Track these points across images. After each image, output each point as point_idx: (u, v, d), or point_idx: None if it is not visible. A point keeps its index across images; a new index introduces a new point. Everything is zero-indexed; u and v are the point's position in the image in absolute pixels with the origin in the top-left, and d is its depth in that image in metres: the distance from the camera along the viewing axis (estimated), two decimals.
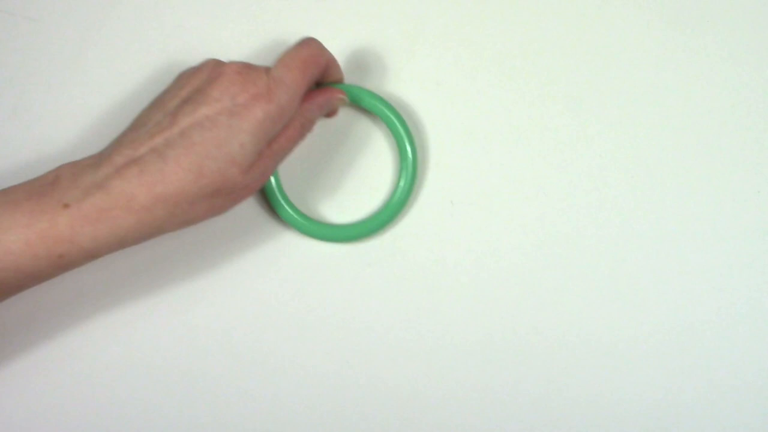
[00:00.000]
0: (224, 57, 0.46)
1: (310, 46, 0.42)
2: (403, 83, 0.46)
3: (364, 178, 0.46)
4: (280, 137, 0.40)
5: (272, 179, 0.44)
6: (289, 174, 0.46)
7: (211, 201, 0.38)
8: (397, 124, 0.44)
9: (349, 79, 0.46)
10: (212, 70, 0.40)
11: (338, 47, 0.46)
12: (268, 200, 0.45)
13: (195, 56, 0.47)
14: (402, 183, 0.45)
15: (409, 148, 0.44)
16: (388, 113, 0.44)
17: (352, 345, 0.46)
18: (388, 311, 0.46)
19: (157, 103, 0.40)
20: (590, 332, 0.46)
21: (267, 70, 0.40)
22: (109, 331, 0.45)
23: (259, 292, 0.46)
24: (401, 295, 0.46)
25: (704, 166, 0.46)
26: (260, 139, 0.39)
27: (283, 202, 0.44)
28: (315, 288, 0.46)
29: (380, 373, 0.46)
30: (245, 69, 0.39)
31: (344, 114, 0.46)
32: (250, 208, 0.46)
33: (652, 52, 0.46)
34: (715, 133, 0.46)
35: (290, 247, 0.46)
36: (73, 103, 0.46)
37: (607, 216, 0.46)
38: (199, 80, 0.40)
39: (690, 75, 0.46)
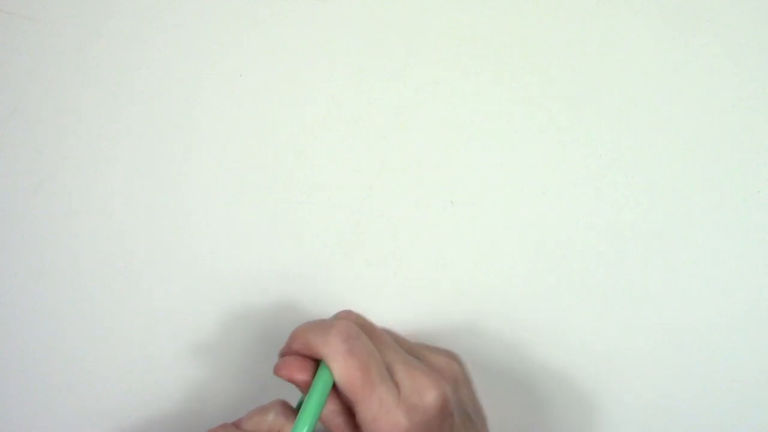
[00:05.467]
0: (223, 57, 0.46)
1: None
2: (402, 82, 0.46)
3: None
4: None
5: None
6: None
7: None
8: None
9: (348, 78, 0.46)
10: None
11: (338, 47, 0.46)
12: None
13: (194, 56, 0.47)
14: None
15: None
16: None
17: None
18: (387, 311, 0.46)
19: None
20: (589, 332, 0.46)
21: None
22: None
23: None
24: (401, 295, 0.46)
25: (704, 166, 0.46)
26: None
27: None
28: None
29: None
30: None
31: None
32: None
33: (652, 52, 0.46)
34: (715, 133, 0.46)
35: None
36: (73, 103, 0.46)
37: (607, 216, 0.46)
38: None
39: (690, 74, 0.46)
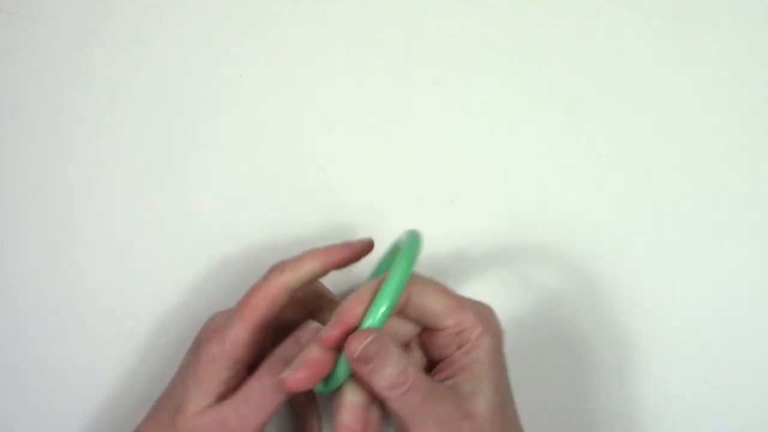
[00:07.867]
0: (223, 56, 0.47)
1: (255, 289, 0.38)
2: (402, 82, 0.46)
3: None
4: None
5: None
6: None
7: None
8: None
9: (348, 78, 0.46)
10: None
11: (338, 47, 0.46)
12: None
13: (194, 56, 0.47)
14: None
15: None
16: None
17: None
18: None
19: None
20: (589, 332, 0.46)
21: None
22: None
23: None
24: None
25: (705, 166, 0.46)
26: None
27: None
28: None
29: None
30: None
31: None
32: None
33: (653, 52, 0.46)
34: (716, 133, 0.46)
35: None
36: (73, 103, 0.46)
37: (607, 216, 0.46)
38: None
39: (689, 74, 0.46)
